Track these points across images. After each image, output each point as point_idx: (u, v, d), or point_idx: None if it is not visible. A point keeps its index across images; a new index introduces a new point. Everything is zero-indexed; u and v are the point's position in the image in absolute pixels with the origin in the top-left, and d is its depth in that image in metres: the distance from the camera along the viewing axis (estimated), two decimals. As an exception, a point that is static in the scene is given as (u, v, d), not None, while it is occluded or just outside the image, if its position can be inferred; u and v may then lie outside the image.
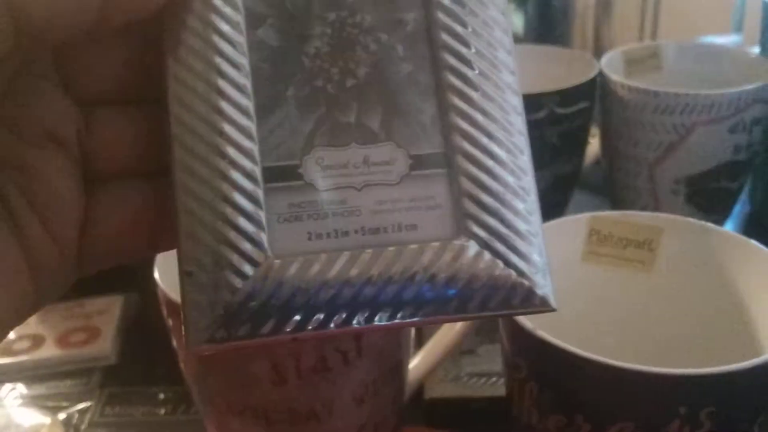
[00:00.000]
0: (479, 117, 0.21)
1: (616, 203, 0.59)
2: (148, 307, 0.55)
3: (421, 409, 0.44)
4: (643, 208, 0.56)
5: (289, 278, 0.19)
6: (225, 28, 0.21)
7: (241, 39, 0.21)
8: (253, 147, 0.20)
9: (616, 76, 0.55)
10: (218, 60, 0.20)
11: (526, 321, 0.31)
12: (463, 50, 0.21)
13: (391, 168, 0.21)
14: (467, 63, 0.21)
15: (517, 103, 0.21)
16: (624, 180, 0.57)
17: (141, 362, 0.51)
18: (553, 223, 0.39)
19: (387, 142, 0.21)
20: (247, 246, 0.19)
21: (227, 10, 0.21)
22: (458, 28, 0.21)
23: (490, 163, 0.21)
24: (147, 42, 0.21)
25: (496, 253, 0.20)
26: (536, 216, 0.21)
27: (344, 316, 0.19)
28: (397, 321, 0.19)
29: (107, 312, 0.54)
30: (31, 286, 0.20)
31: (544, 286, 0.20)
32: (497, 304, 0.20)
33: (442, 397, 0.44)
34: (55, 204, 0.21)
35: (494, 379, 0.45)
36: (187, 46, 0.20)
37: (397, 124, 0.21)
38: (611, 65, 0.57)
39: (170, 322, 0.38)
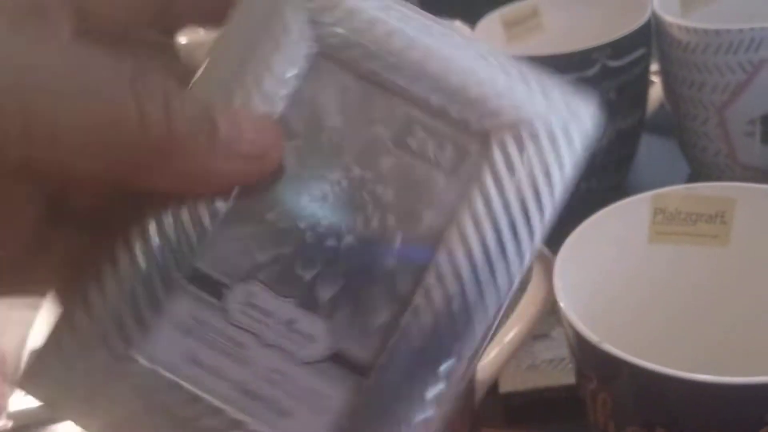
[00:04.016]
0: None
1: (687, 150, 0.56)
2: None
3: (498, 403, 0.42)
4: (716, 154, 0.53)
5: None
6: None
7: None
8: (186, 250, 0.19)
9: (670, 16, 0.51)
10: None
11: (591, 335, 0.29)
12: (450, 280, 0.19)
13: (309, 345, 0.19)
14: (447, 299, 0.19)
15: None
16: (692, 126, 0.53)
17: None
18: (614, 207, 0.36)
19: (324, 319, 0.19)
20: (117, 341, 0.19)
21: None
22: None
23: None
24: None
25: None
26: None
27: None
28: None
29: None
30: None
31: None
32: None
33: (517, 390, 0.42)
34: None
35: (571, 364, 0.43)
36: None
37: (345, 310, 0.19)
38: (665, 3, 0.53)
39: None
